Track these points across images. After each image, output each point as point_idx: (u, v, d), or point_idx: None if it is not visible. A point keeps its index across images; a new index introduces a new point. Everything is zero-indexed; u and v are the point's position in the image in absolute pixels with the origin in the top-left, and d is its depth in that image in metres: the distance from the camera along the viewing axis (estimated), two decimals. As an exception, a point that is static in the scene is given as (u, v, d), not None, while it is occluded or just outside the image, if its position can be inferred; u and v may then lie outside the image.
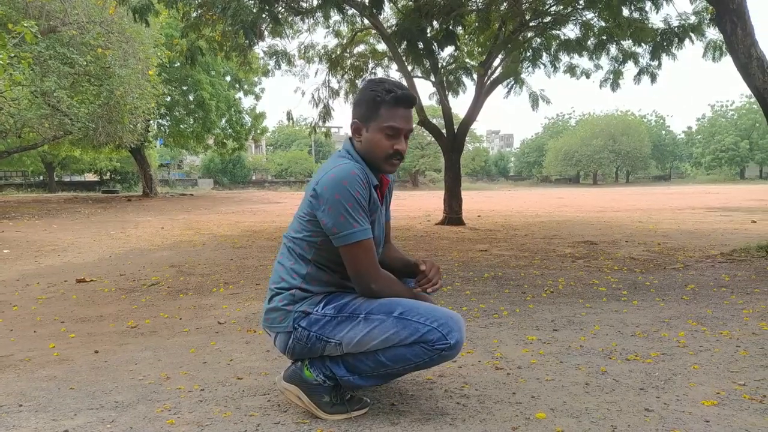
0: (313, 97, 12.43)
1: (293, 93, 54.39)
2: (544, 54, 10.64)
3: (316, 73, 19.58)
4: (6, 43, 7.62)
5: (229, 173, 50.94)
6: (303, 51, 12.15)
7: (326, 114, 12.52)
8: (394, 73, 12.86)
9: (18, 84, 9.74)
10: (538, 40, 10.48)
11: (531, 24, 9.97)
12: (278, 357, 2.68)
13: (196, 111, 22.69)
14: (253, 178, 55.16)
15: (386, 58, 12.22)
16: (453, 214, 10.86)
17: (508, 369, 2.43)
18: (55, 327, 3.46)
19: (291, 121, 13.57)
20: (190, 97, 22.78)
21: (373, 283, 1.85)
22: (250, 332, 3.19)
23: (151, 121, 21.89)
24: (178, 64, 20.29)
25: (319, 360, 1.94)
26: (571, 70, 11.28)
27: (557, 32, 10.19)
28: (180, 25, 10.14)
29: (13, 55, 7.91)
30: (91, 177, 43.71)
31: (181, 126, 23.78)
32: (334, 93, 12.52)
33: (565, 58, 10.89)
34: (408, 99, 1.90)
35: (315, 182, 1.86)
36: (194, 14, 8.72)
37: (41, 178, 40.06)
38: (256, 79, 24.76)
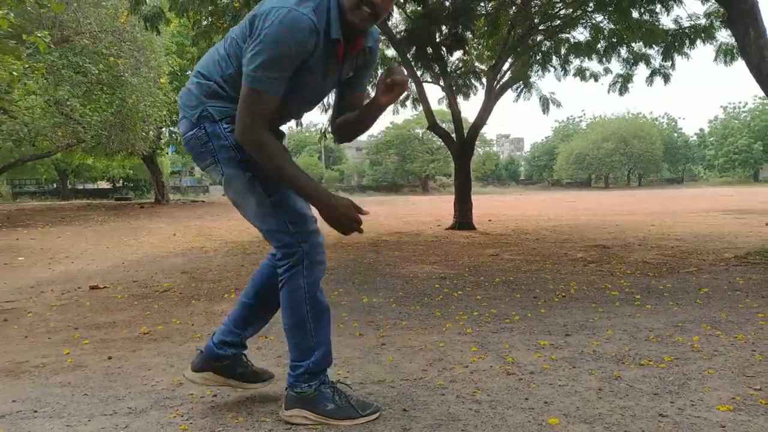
0: (322, 102, 12.48)
1: (303, 99, 54.26)
2: (553, 57, 10.63)
3: (325, 79, 19.64)
4: (21, 54, 7.73)
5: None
6: (312, 57, 12.20)
7: (336, 120, 12.55)
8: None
9: (32, 93, 9.88)
10: (548, 43, 10.46)
11: (540, 27, 9.96)
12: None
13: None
14: (264, 184, 55.26)
15: (395, 63, 12.26)
16: (463, 218, 10.84)
17: (520, 374, 2.41)
18: (68, 333, 3.49)
19: (300, 126, 13.67)
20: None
21: (249, 134, 1.78)
22: (262, 338, 3.20)
23: (163, 129, 22.06)
24: (189, 72, 20.45)
25: (292, 372, 1.96)
26: (580, 73, 11.25)
27: (567, 35, 10.17)
28: (191, 34, 10.23)
29: (27, 65, 8.03)
30: (104, 184, 44.10)
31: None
32: (344, 98, 12.54)
33: (575, 61, 10.87)
34: None
35: (260, 10, 1.75)
36: (205, 22, 8.79)
37: (54, 186, 40.50)
38: (266, 85, 24.85)
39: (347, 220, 1.83)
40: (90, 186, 44.66)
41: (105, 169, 33.90)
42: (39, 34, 7.31)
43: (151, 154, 21.70)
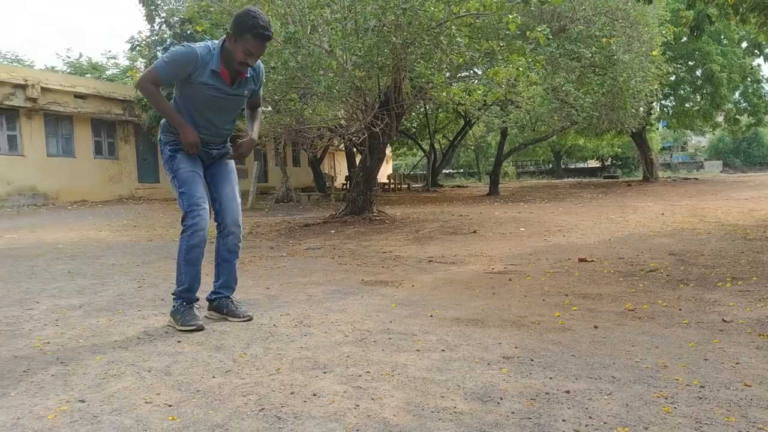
0: None
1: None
2: None
3: None
4: (525, 51, 8.80)
5: (743, 153, 44.53)
6: None
7: None
8: None
9: (534, 84, 11.11)
10: None
11: None
12: (802, 372, 2.24)
13: (704, 87, 20.73)
14: (774, 158, 46.48)
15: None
16: None
17: None
18: (559, 298, 3.85)
19: None
20: (697, 73, 20.98)
21: (141, 81, 2.94)
22: (763, 337, 2.77)
23: (654, 103, 21.26)
24: (685, 39, 18.95)
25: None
26: None
27: None
28: (687, -3, 9.41)
29: (530, 59, 9.08)
30: (593, 163, 46.05)
31: (686, 105, 22.21)
32: None
33: None
34: (266, 38, 2.85)
35: None
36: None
37: (550, 165, 44.83)
38: (784, 38, 20.68)
39: (187, 141, 2.97)
40: (580, 165, 47.42)
41: (594, 148, 35.35)
42: (539, 29, 8.13)
43: (641, 131, 21.27)
